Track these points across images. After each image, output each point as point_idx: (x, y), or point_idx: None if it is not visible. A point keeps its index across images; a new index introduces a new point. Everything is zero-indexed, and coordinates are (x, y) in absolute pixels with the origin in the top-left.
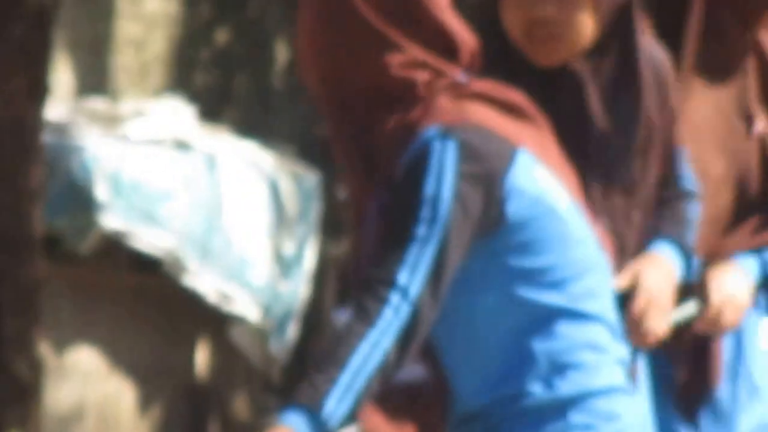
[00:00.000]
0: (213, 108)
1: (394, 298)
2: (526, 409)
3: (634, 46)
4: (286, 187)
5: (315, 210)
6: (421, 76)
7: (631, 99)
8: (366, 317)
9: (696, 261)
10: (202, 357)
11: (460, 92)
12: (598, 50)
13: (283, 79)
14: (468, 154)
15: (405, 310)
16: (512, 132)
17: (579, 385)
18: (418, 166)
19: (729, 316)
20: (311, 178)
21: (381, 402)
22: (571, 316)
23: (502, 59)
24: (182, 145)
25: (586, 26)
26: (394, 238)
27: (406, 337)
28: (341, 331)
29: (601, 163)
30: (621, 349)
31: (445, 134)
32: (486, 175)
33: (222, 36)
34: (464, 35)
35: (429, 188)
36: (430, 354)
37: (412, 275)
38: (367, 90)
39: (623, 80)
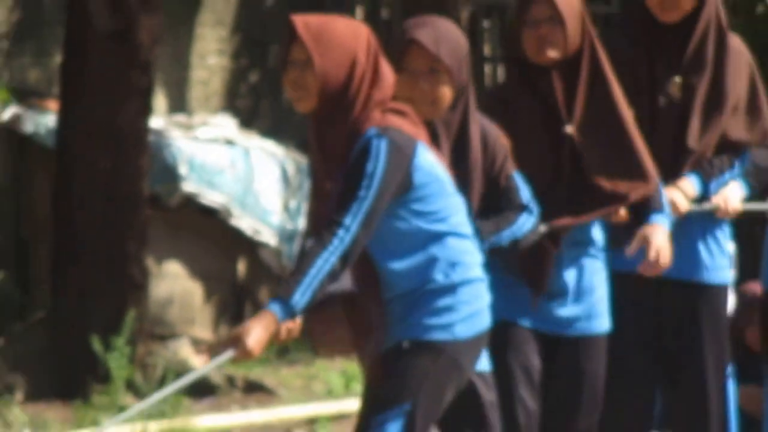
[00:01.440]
0: (247, 120)
1: (341, 232)
2: (433, 290)
3: (469, 110)
4: (291, 168)
5: (307, 182)
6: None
7: (465, 144)
8: (321, 243)
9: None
10: (242, 267)
11: (383, 109)
12: (451, 108)
13: (288, 103)
14: (394, 147)
15: (346, 240)
16: (413, 131)
17: (462, 275)
18: (363, 153)
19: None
20: (305, 162)
21: (323, 308)
22: (454, 235)
23: None
24: (229, 142)
25: (447, 95)
26: (345, 197)
27: (346, 255)
28: (307, 251)
29: (453, 179)
30: (478, 256)
31: (380, 134)
32: (403, 159)
33: (253, 77)
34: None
35: (369, 167)
36: (368, 263)
37: (353, 219)
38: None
39: (462, 131)
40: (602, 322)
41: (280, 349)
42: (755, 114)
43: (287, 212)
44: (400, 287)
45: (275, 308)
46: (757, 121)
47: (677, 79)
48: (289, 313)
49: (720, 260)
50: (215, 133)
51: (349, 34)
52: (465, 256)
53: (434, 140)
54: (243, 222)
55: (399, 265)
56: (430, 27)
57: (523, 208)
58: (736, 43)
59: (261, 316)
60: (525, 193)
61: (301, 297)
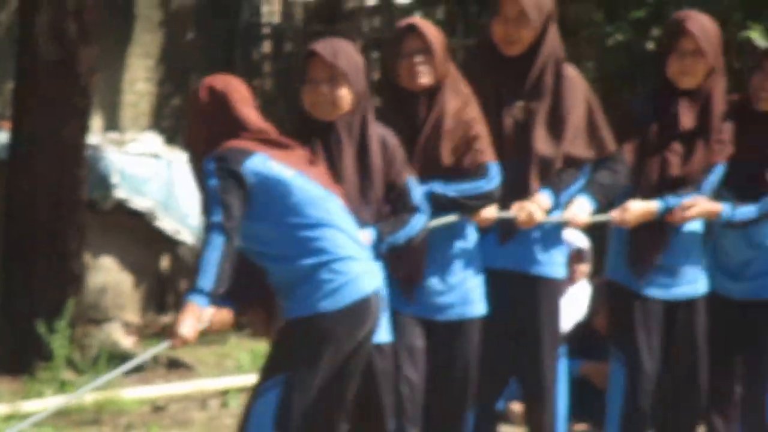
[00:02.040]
0: (170, 137)
1: (212, 226)
2: (300, 273)
3: (368, 115)
4: None
5: None
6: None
7: (366, 146)
8: (205, 241)
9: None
10: (164, 262)
11: (247, 138)
12: (351, 114)
13: None
14: (220, 159)
15: (218, 228)
16: (257, 148)
17: (324, 257)
18: (204, 176)
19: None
20: None
21: (256, 293)
22: (310, 225)
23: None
24: (155, 156)
25: (346, 97)
26: (205, 206)
27: (226, 241)
28: (200, 251)
29: (357, 179)
30: (343, 238)
31: (210, 157)
32: (229, 167)
33: (176, 101)
34: (252, 119)
35: (210, 183)
36: (248, 260)
37: (215, 214)
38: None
39: (363, 134)
40: (476, 308)
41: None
42: (593, 133)
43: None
44: (277, 276)
45: (193, 297)
46: (595, 140)
47: (520, 103)
48: (205, 296)
49: (556, 256)
50: (143, 148)
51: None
52: (324, 241)
53: (338, 144)
54: (166, 223)
55: (271, 257)
56: (329, 42)
57: (415, 209)
58: (572, 73)
59: (185, 307)
60: (417, 194)
61: (206, 281)
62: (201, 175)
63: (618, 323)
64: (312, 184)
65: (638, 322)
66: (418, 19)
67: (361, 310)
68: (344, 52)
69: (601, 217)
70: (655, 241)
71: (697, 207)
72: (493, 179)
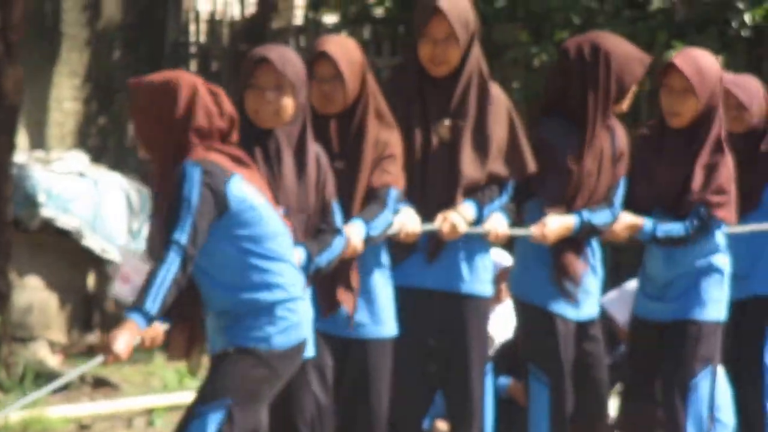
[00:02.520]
0: (97, 156)
1: (173, 246)
2: (256, 306)
3: (307, 126)
4: (133, 197)
5: (147, 207)
6: (194, 142)
7: (303, 155)
8: (161, 258)
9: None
10: (91, 280)
11: (209, 149)
12: (292, 124)
13: (132, 141)
14: (205, 174)
15: (179, 252)
16: (231, 167)
17: (280, 295)
18: (179, 179)
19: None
20: (146, 191)
21: (182, 313)
22: (271, 257)
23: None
24: (81, 175)
25: (290, 107)
26: (171, 217)
27: (183, 265)
28: (153, 266)
29: (296, 189)
30: (297, 277)
31: (195, 164)
32: (214, 184)
33: (102, 120)
34: (218, 123)
35: (185, 190)
36: (191, 284)
37: (181, 234)
38: (172, 150)
39: (301, 143)
40: (387, 327)
41: None
42: (516, 152)
43: (130, 234)
44: (225, 302)
45: (134, 316)
46: (516, 159)
47: (446, 122)
48: (147, 318)
49: (483, 275)
50: (69, 167)
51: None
52: (282, 277)
53: (277, 152)
54: (92, 242)
55: (224, 283)
56: (277, 49)
57: (338, 231)
58: (496, 91)
59: (123, 325)
60: (339, 218)
61: (152, 304)
62: (160, 177)
63: (538, 344)
64: (275, 216)
65: (560, 343)
66: (331, 43)
67: (299, 351)
68: (292, 62)
69: (522, 231)
70: (578, 259)
71: (620, 222)
72: (390, 206)
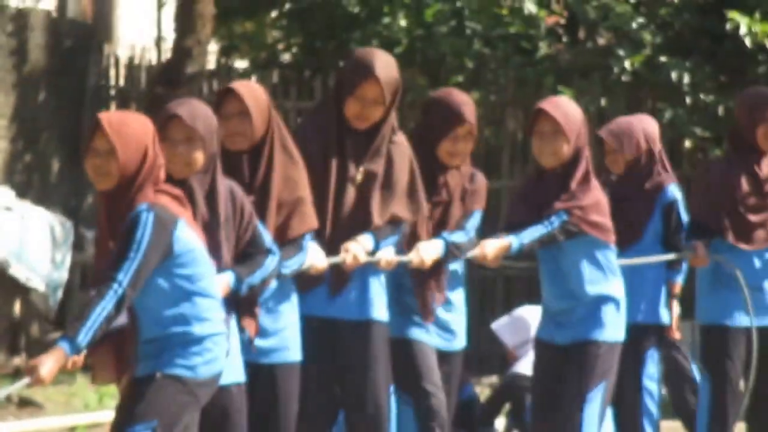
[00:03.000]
0: (22, 192)
1: (114, 285)
2: (185, 337)
3: (216, 172)
4: (57, 229)
5: (70, 239)
6: (144, 186)
7: (215, 199)
8: (100, 294)
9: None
10: (17, 307)
11: (157, 190)
12: (203, 173)
13: (54, 177)
14: (159, 220)
15: (119, 292)
16: (177, 210)
17: (207, 329)
18: (134, 222)
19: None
20: (69, 224)
21: (105, 340)
22: (203, 296)
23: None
24: (8, 209)
25: (200, 159)
26: (119, 257)
27: (119, 305)
28: (89, 300)
29: (208, 230)
30: (221, 314)
31: (149, 208)
32: (164, 230)
33: (27, 158)
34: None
35: (138, 234)
36: (131, 310)
37: (125, 276)
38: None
39: (212, 189)
40: (293, 353)
41: None
42: (413, 196)
43: (53, 264)
44: (157, 331)
45: (64, 345)
46: (414, 203)
47: (362, 168)
48: (75, 349)
49: (377, 302)
50: None
51: (141, 128)
52: (210, 313)
53: (191, 198)
54: (18, 271)
55: (157, 315)
56: (188, 105)
57: (268, 251)
58: (401, 140)
59: (52, 351)
60: (268, 238)
61: (84, 337)
62: (115, 212)
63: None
64: (207, 257)
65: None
66: (237, 83)
67: (216, 381)
68: (202, 116)
69: (403, 258)
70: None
71: (489, 249)
72: (305, 249)
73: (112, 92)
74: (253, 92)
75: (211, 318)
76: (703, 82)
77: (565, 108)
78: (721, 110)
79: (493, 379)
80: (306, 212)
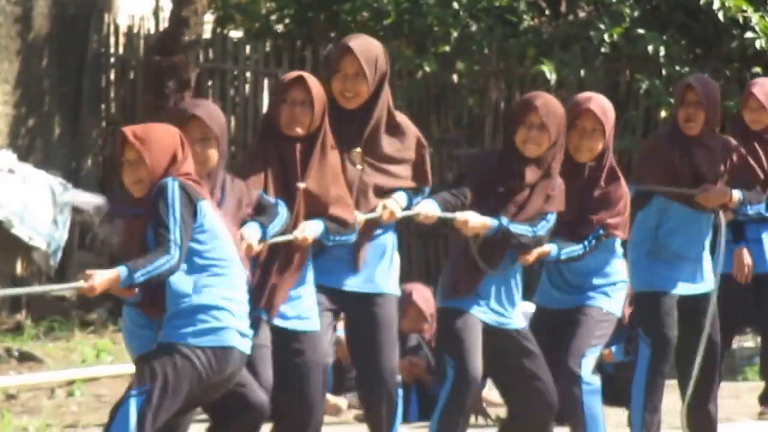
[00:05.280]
0: (25, 155)
1: (173, 245)
2: (185, 307)
3: (225, 176)
4: (58, 192)
5: (69, 200)
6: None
7: (223, 199)
8: (165, 250)
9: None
10: (20, 265)
11: (180, 175)
12: (215, 171)
13: (56, 141)
14: (183, 187)
15: (177, 252)
16: (202, 191)
17: (207, 299)
18: (160, 191)
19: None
20: (68, 186)
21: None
22: (219, 266)
23: None
24: (11, 171)
25: (214, 158)
26: (163, 221)
27: (177, 263)
28: (156, 250)
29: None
30: (239, 291)
31: (174, 180)
32: (191, 196)
33: (30, 122)
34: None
35: (169, 199)
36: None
37: (176, 234)
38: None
39: (221, 188)
40: (313, 323)
41: (48, 328)
42: (420, 167)
43: (54, 224)
44: (180, 304)
45: (123, 272)
46: (421, 173)
47: (358, 149)
48: (130, 281)
49: (388, 276)
50: (0, 165)
51: (165, 134)
52: (224, 290)
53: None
54: (21, 231)
55: (173, 287)
56: (205, 106)
57: (275, 206)
58: (405, 122)
59: (111, 271)
60: (270, 198)
61: (141, 276)
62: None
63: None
64: (227, 234)
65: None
66: (305, 73)
67: (224, 356)
68: (217, 117)
69: (448, 215)
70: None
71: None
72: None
73: (112, 60)
74: (316, 84)
75: (215, 292)
76: (679, 55)
77: (605, 106)
78: None
79: None
80: (348, 204)
